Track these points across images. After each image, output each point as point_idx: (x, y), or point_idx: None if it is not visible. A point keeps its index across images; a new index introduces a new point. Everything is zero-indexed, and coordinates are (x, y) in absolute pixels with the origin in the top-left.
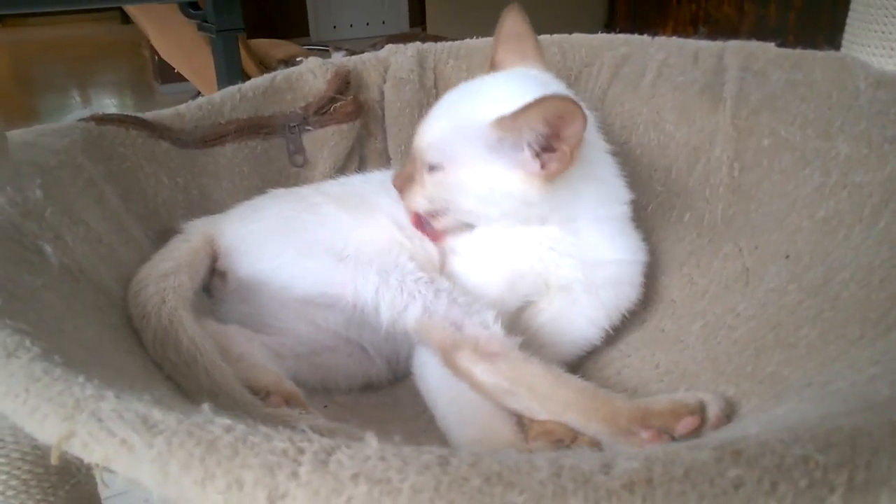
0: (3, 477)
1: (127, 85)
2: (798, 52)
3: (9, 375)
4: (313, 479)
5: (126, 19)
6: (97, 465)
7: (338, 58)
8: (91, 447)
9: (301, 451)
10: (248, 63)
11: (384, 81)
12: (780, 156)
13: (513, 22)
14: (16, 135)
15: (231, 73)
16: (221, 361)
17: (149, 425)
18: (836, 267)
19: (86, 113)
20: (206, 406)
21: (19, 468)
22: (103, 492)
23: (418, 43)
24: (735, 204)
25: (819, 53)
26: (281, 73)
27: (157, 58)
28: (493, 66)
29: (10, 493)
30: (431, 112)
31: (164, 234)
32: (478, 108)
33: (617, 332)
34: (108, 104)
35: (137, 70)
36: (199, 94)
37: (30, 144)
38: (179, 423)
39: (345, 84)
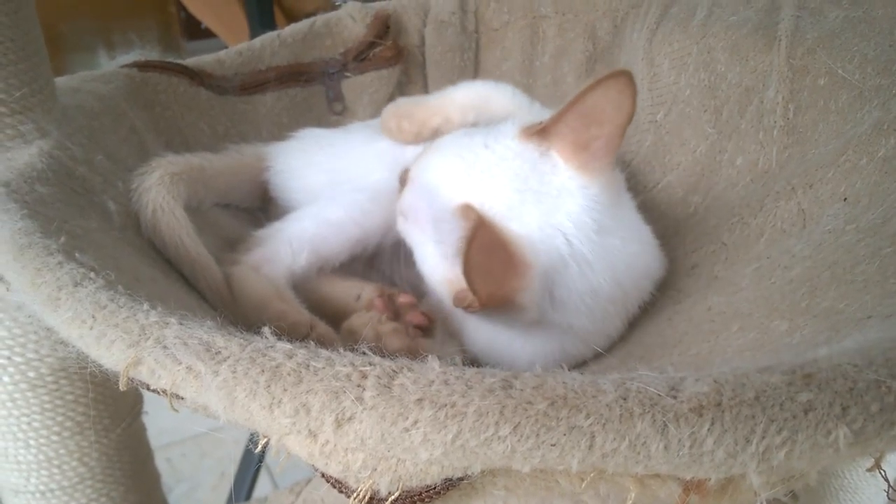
0: (60, 418)
1: (154, 42)
2: None
3: (76, 302)
4: (378, 403)
5: None
6: (165, 392)
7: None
8: (158, 374)
9: (364, 376)
10: (277, 16)
11: (424, 25)
12: (836, 95)
13: (609, 96)
14: (62, 81)
15: (264, 24)
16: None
17: (213, 352)
18: None
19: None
20: (266, 330)
21: (74, 410)
22: None
23: None
24: (790, 146)
25: None
26: (320, 18)
27: (183, 13)
28: (544, 129)
29: (66, 433)
30: (438, 144)
31: None
32: (460, 184)
33: (667, 280)
34: None
35: (164, 27)
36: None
37: (75, 90)
38: (242, 350)
39: (384, 28)
